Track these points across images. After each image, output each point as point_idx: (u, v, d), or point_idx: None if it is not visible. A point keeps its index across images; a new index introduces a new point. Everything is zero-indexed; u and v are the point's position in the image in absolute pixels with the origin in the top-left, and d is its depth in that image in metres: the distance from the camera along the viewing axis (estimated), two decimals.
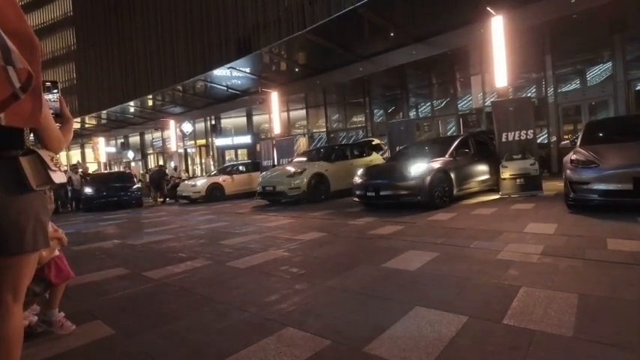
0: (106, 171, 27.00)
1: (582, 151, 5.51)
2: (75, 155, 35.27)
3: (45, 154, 1.41)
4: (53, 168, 1.42)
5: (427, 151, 8.41)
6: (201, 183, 13.42)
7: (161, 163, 20.39)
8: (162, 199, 15.86)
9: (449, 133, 15.25)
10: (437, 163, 7.12)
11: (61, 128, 1.55)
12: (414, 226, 5.40)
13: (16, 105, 1.15)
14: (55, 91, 1.60)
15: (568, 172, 5.41)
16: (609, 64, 12.25)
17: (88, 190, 13.66)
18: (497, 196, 7.68)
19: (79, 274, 3.91)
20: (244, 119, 22.66)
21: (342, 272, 3.39)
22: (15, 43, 1.11)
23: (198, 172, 23.81)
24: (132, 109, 25.07)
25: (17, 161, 1.33)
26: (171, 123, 22.79)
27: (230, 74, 18.01)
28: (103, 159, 28.72)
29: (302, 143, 20.20)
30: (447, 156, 7.48)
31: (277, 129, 17.63)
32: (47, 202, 1.46)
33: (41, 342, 2.33)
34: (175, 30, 22.20)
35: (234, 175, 14.05)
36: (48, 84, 1.56)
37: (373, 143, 12.43)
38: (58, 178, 1.45)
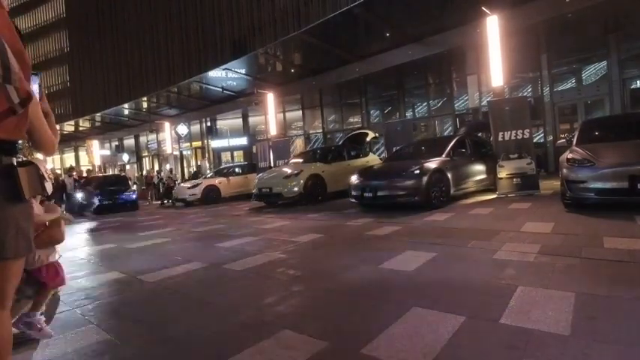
0: (100, 174, 26.86)
1: (578, 149, 5.53)
2: (69, 158, 35.09)
3: (41, 165, 1.40)
4: (47, 179, 1.42)
5: (424, 151, 8.42)
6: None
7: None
8: (160, 202, 15.81)
9: (445, 133, 15.28)
10: (434, 163, 7.12)
11: None
12: (412, 227, 5.39)
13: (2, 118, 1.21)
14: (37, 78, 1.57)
15: (564, 170, 5.42)
16: (604, 63, 12.31)
17: (82, 193, 13.56)
18: (494, 196, 7.69)
19: (73, 278, 3.89)
20: (240, 121, 22.63)
21: (339, 274, 3.37)
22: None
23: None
24: (126, 112, 24.98)
25: (14, 171, 1.31)
26: (167, 125, 22.72)
27: (225, 75, 18.00)
28: (97, 162, 28.53)
29: (298, 144, 20.18)
30: (443, 156, 7.48)
31: (273, 130, 17.61)
32: (30, 208, 1.44)
33: (34, 347, 2.30)
34: (170, 31, 22.13)
35: (231, 177, 14.01)
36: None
37: (368, 138, 12.24)
38: (50, 188, 1.45)
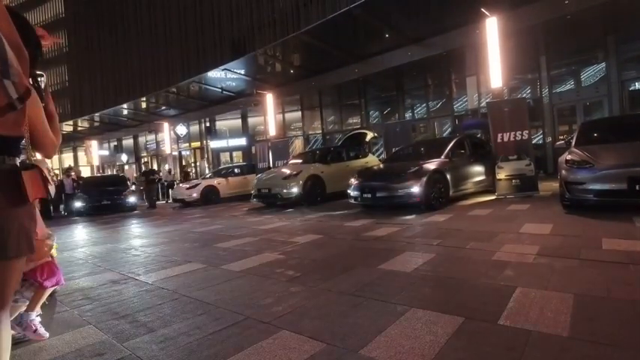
0: (99, 174, 26.79)
1: (577, 151, 5.53)
2: (67, 159, 35.01)
3: (44, 168, 1.39)
4: (51, 182, 1.41)
5: (423, 152, 8.42)
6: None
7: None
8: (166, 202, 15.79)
9: (445, 134, 15.29)
10: (433, 165, 7.12)
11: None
12: (410, 228, 5.39)
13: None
14: (42, 78, 1.56)
15: (563, 172, 5.42)
16: (603, 65, 12.33)
17: (81, 194, 13.53)
18: (493, 197, 7.69)
19: (71, 279, 3.88)
20: (239, 121, 22.60)
21: (337, 274, 3.37)
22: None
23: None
24: (125, 112, 24.92)
25: (18, 175, 1.30)
26: (165, 125, 22.69)
27: (225, 76, 17.97)
28: (95, 162, 28.48)
29: (297, 145, 20.16)
30: (442, 157, 7.48)
31: (272, 131, 17.58)
32: (33, 208, 1.43)
33: (31, 349, 2.29)
34: (169, 31, 22.13)
35: (230, 178, 13.99)
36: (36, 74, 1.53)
37: (367, 138, 12.21)
38: (53, 190, 1.44)
